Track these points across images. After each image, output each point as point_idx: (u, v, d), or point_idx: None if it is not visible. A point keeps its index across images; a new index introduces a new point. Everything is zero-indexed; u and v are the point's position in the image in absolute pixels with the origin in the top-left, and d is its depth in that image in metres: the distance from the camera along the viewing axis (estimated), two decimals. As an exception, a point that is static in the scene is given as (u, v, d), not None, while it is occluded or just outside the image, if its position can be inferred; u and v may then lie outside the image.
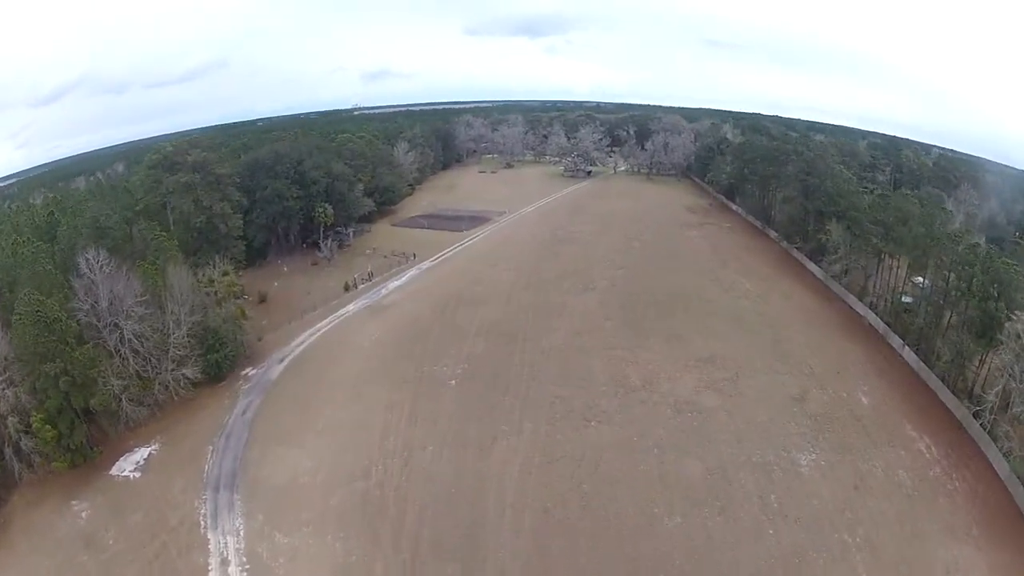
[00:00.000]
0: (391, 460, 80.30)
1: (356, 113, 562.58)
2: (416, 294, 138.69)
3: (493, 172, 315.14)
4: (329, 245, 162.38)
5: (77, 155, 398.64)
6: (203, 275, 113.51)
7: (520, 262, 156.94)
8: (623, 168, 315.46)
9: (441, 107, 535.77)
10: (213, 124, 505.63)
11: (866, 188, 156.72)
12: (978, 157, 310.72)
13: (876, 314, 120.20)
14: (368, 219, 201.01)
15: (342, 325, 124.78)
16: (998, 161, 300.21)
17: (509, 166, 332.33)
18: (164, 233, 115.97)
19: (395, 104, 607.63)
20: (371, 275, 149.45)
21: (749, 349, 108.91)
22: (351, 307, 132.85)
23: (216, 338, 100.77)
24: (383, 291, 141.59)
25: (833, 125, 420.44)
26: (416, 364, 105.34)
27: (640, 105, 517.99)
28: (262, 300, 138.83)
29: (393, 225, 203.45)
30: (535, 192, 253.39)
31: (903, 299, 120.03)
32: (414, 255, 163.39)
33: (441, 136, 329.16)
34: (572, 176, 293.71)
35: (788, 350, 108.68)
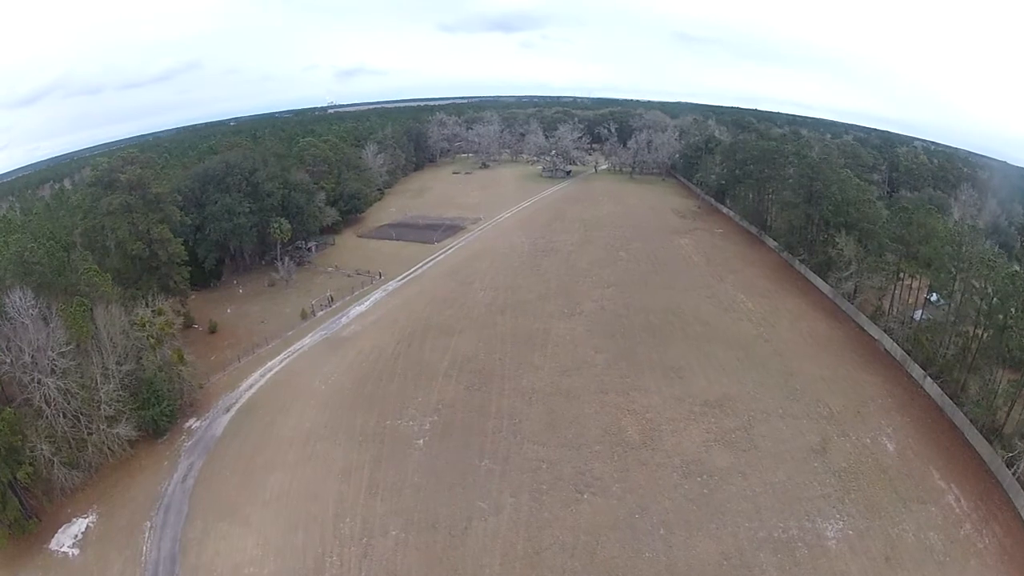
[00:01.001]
0: (348, 548, 67.28)
1: (330, 111, 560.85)
2: (380, 322, 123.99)
3: (468, 173, 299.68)
4: (286, 265, 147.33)
5: (57, 156, 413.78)
6: (138, 313, 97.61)
7: (496, 279, 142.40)
8: (604, 167, 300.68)
9: (416, 104, 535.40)
10: (188, 124, 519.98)
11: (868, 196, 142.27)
12: (957, 149, 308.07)
13: (892, 338, 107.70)
14: (333, 229, 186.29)
15: (296, 363, 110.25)
16: (980, 153, 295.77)
17: (485, 166, 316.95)
18: (95, 266, 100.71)
19: (370, 101, 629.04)
20: (331, 300, 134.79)
21: (759, 387, 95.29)
22: (307, 340, 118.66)
23: (151, 391, 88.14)
24: (343, 319, 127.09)
25: (813, 119, 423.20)
26: (378, 415, 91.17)
27: (617, 100, 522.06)
28: (212, 331, 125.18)
29: (359, 236, 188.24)
30: (512, 195, 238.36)
31: (914, 314, 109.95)
32: (380, 274, 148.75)
33: (413, 136, 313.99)
34: (551, 177, 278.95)
35: (802, 386, 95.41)
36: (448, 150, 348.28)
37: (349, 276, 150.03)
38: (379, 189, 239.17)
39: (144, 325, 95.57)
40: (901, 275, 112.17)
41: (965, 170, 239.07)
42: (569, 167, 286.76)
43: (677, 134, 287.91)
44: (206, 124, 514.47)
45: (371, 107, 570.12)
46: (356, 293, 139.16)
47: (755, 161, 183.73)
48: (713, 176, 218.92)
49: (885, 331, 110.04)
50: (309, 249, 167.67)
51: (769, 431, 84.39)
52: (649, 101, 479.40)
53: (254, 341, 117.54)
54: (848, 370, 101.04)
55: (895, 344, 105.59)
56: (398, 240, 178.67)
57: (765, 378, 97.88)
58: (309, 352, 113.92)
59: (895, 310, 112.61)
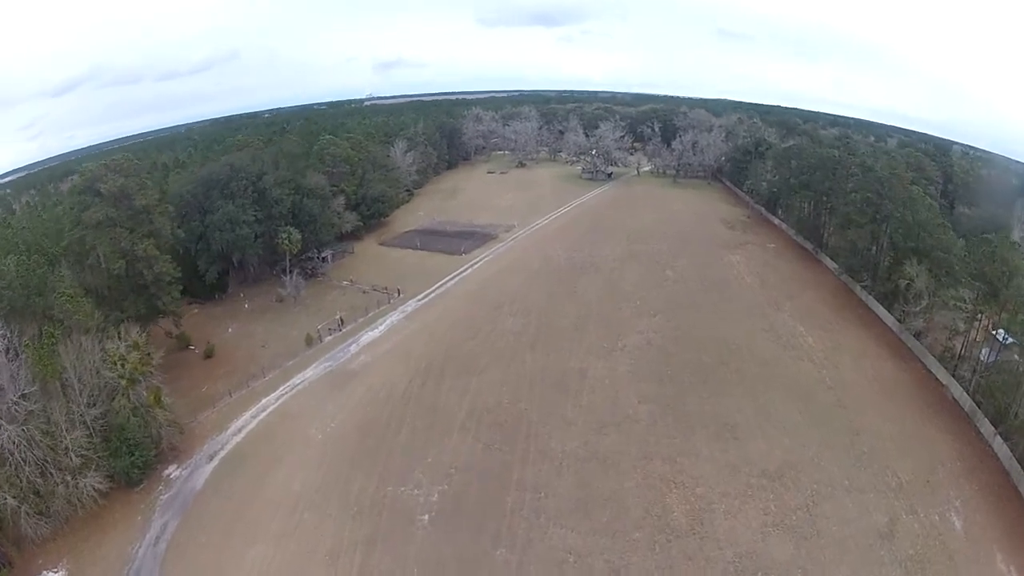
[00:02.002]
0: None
1: (367, 104, 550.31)
2: (393, 353, 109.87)
3: (503, 173, 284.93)
4: (293, 280, 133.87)
5: (91, 146, 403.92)
6: (115, 345, 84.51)
7: (528, 302, 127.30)
8: (647, 169, 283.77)
9: (454, 97, 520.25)
10: (225, 115, 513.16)
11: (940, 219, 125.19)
12: (1003, 156, 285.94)
13: (961, 385, 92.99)
14: (354, 236, 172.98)
15: (293, 403, 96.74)
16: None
17: (521, 165, 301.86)
18: (70, 290, 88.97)
19: (408, 94, 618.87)
20: (341, 323, 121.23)
21: (823, 450, 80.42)
22: (310, 372, 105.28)
23: (122, 439, 77.63)
24: (352, 347, 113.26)
25: (855, 119, 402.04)
26: (379, 478, 77.28)
27: (657, 96, 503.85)
28: (208, 355, 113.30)
29: (381, 244, 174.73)
30: (549, 199, 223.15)
31: (981, 352, 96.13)
32: (398, 291, 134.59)
33: (446, 133, 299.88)
34: (591, 179, 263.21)
35: (869, 448, 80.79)
36: (484, 147, 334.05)
37: (365, 292, 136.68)
38: (408, 190, 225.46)
39: (117, 362, 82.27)
40: (979, 316, 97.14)
41: (1015, 182, 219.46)
42: (610, 168, 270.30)
43: (723, 135, 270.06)
44: (240, 115, 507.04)
45: (409, 100, 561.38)
46: (370, 314, 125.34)
47: (812, 170, 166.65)
48: (764, 184, 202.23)
49: (954, 376, 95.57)
50: (324, 259, 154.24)
51: (834, 510, 70.22)
52: (689, 98, 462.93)
53: (250, 372, 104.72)
54: (916, 424, 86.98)
55: (964, 393, 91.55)
56: (422, 250, 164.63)
57: (829, 438, 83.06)
58: (309, 389, 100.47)
59: (966, 351, 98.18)
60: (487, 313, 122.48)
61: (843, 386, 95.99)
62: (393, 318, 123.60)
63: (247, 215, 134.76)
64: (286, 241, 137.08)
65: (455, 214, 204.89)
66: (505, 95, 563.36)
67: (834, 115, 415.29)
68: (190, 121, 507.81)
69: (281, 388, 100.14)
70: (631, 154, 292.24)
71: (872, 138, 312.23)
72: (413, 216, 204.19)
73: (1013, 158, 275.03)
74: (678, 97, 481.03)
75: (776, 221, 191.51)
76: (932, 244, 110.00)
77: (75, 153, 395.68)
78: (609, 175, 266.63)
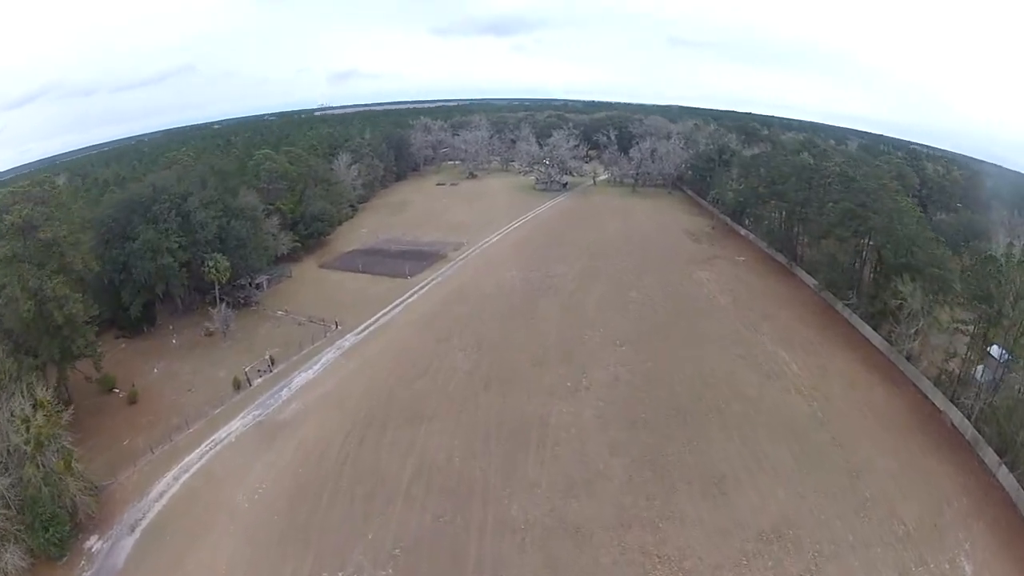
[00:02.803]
0: None
1: (317, 114, 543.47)
2: (329, 399, 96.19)
3: (454, 184, 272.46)
4: (222, 313, 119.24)
5: (49, 157, 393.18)
6: (12, 409, 70.68)
7: (481, 332, 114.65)
8: (603, 177, 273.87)
9: (405, 107, 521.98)
10: (178, 126, 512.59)
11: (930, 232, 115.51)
12: (960, 155, 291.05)
13: (961, 411, 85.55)
14: (292, 256, 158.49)
15: (219, 461, 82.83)
16: (974, 157, 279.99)
17: (472, 176, 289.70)
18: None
19: (361, 104, 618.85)
20: (271, 364, 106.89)
21: (822, 499, 70.87)
22: (236, 424, 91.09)
23: (35, 512, 66.96)
24: (284, 392, 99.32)
25: (810, 123, 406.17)
26: (313, 560, 64.48)
27: (611, 104, 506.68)
28: (132, 400, 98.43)
29: (321, 266, 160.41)
30: (502, 212, 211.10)
31: (975, 371, 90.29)
32: (336, 324, 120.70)
33: (394, 143, 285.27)
34: (545, 189, 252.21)
35: (871, 492, 72.17)
36: (433, 158, 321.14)
37: (300, 324, 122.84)
38: (352, 205, 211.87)
39: (22, 425, 69.13)
40: (987, 338, 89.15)
41: (989, 184, 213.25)
42: (566, 178, 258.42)
43: (682, 142, 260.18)
44: (191, 127, 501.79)
45: (361, 110, 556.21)
46: (305, 351, 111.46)
47: (784, 179, 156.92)
48: (730, 193, 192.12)
49: (953, 401, 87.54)
50: (258, 286, 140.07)
51: (840, 572, 60.78)
52: (642, 104, 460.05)
53: (174, 422, 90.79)
54: (916, 457, 78.99)
55: (964, 419, 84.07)
56: (365, 273, 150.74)
57: (827, 483, 73.42)
58: (236, 444, 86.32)
59: (964, 373, 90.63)
60: (435, 347, 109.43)
61: (835, 419, 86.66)
62: (330, 355, 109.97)
63: (170, 242, 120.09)
64: (213, 270, 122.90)
65: (401, 230, 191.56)
66: (456, 104, 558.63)
67: (788, 119, 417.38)
68: (145, 132, 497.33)
69: (206, 443, 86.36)
70: (586, 163, 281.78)
71: (832, 141, 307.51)
72: (356, 234, 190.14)
73: (976, 158, 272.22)
74: (632, 104, 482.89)
75: (743, 232, 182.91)
76: (924, 260, 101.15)
77: (29, 166, 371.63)
78: (564, 185, 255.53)
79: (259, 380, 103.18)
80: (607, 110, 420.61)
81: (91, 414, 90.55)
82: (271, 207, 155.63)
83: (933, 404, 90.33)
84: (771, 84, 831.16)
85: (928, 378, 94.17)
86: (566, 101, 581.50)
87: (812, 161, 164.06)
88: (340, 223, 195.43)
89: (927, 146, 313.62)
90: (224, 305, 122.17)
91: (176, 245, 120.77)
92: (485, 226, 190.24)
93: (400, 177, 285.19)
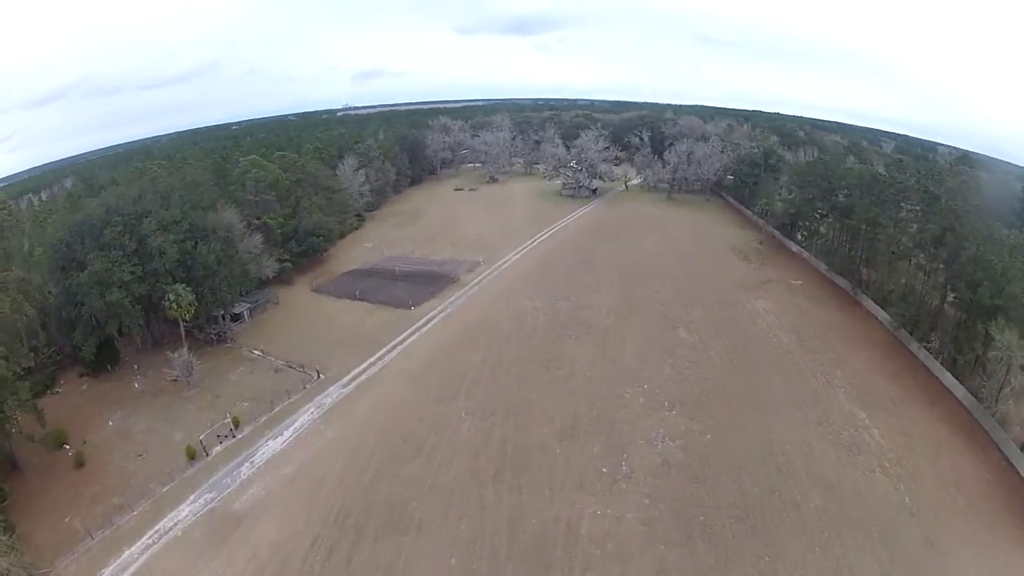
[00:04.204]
0: None
1: (340, 114, 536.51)
2: (297, 484, 74.74)
3: (473, 190, 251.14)
4: (184, 358, 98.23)
5: (71, 157, 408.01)
6: None
7: (492, 391, 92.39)
8: (635, 182, 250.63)
9: (429, 106, 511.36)
10: (201, 126, 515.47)
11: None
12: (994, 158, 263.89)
13: None
14: (282, 277, 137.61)
15: (160, 562, 64.29)
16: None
17: (493, 180, 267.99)
18: None
19: (385, 104, 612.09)
20: (233, 428, 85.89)
21: None
22: (185, 510, 71.59)
23: None
24: (245, 468, 78.65)
25: (843, 124, 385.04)
26: None
27: (636, 103, 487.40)
28: (80, 463, 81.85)
29: (314, 291, 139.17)
30: (525, 222, 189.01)
31: None
32: (317, 373, 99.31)
33: (408, 145, 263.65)
34: (573, 195, 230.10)
35: None
36: (452, 160, 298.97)
37: (277, 371, 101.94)
38: (358, 215, 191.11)
39: None
40: None
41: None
42: (595, 183, 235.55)
43: (720, 145, 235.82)
44: (209, 127, 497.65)
45: (384, 109, 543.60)
46: (278, 409, 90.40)
47: (849, 191, 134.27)
48: (780, 204, 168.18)
49: None
50: (237, 317, 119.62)
51: None
52: (669, 104, 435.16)
53: (115, 502, 72.73)
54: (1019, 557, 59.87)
55: None
56: (362, 300, 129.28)
57: None
58: (182, 540, 66.62)
59: None
60: (434, 412, 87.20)
61: (925, 507, 67.44)
62: (307, 416, 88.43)
63: (123, 272, 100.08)
64: (174, 305, 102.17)
65: (411, 245, 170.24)
66: (481, 104, 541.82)
67: (818, 119, 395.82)
68: (166, 133, 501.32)
69: (149, 533, 67.66)
70: (616, 165, 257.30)
71: (865, 143, 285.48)
72: (359, 249, 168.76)
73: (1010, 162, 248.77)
74: (658, 104, 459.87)
75: (795, 248, 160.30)
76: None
77: (56, 164, 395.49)
78: (594, 191, 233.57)
79: (218, 448, 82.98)
80: (634, 110, 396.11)
81: (38, 473, 79.78)
82: (258, 222, 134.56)
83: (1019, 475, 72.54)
84: (797, 83, 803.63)
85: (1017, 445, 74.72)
86: (592, 101, 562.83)
87: (884, 173, 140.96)
88: (344, 235, 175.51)
89: (969, 151, 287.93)
90: (187, 349, 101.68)
91: (130, 276, 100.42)
92: (505, 240, 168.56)
93: (415, 181, 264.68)
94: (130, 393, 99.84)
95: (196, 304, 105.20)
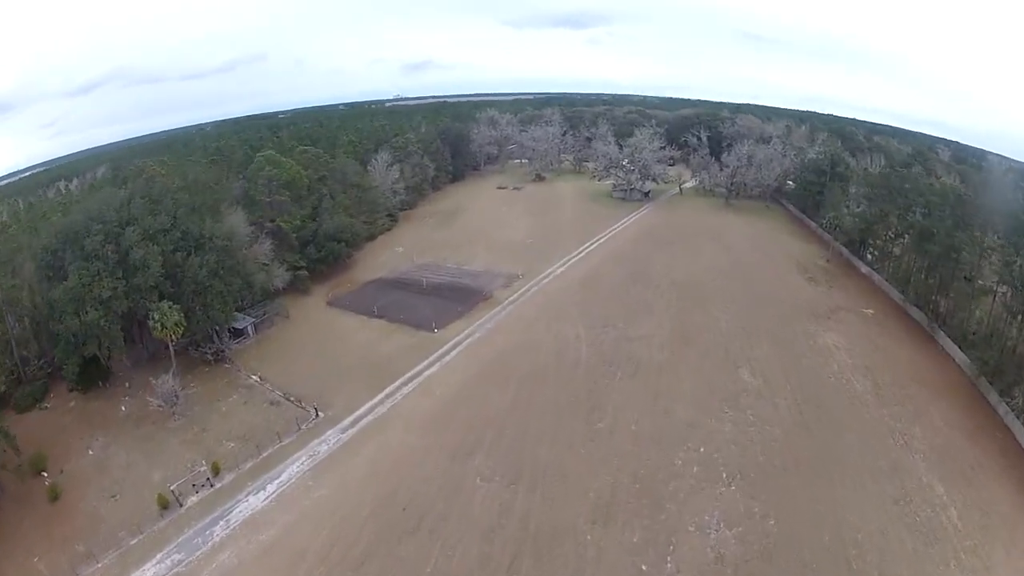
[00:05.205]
0: None
1: (388, 105, 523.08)
2: (272, 556, 62.17)
3: (517, 189, 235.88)
4: (169, 385, 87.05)
5: (113, 143, 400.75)
6: None
7: (519, 447, 77.54)
8: (689, 185, 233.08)
9: (479, 99, 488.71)
10: (246, 115, 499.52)
11: None
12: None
13: None
14: (297, 286, 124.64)
15: None
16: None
17: (539, 178, 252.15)
18: None
19: (435, 95, 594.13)
20: (213, 476, 73.82)
21: None
22: (149, 572, 61.63)
23: None
24: (219, 529, 66.99)
25: (897, 128, 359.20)
26: None
27: (687, 100, 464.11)
28: (54, 497, 73.82)
29: (330, 304, 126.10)
30: (572, 228, 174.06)
31: None
32: (316, 411, 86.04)
33: (450, 139, 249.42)
34: (623, 198, 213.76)
35: None
36: (497, 156, 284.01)
37: (273, 403, 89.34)
38: (390, 214, 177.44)
39: None
40: None
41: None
42: (648, 185, 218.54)
43: (781, 147, 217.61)
44: (249, 117, 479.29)
45: (434, 101, 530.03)
46: (265, 454, 77.51)
47: (928, 210, 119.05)
48: (849, 218, 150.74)
49: None
50: (239, 333, 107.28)
51: None
52: (722, 103, 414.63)
53: (80, 550, 64.40)
54: None
55: None
56: (381, 318, 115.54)
57: None
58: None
59: None
60: (445, 471, 73.00)
61: None
62: (295, 467, 75.23)
63: (102, 288, 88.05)
64: (159, 325, 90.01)
65: (444, 250, 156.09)
66: (532, 97, 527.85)
67: (872, 123, 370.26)
68: (215, 119, 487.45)
69: None
70: (670, 165, 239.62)
71: (909, 150, 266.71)
72: (388, 253, 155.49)
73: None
74: (707, 101, 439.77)
75: (864, 268, 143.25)
76: None
77: (95, 151, 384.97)
78: (646, 194, 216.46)
79: (194, 499, 71.17)
80: (687, 107, 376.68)
81: (14, 501, 72.59)
82: (271, 225, 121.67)
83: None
84: (848, 85, 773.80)
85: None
86: (643, 96, 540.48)
87: (965, 190, 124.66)
88: (374, 237, 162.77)
89: (1006, 157, 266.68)
90: (172, 374, 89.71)
91: (110, 292, 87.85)
92: (549, 248, 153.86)
93: (456, 178, 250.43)
94: (116, 416, 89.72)
95: (183, 324, 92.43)
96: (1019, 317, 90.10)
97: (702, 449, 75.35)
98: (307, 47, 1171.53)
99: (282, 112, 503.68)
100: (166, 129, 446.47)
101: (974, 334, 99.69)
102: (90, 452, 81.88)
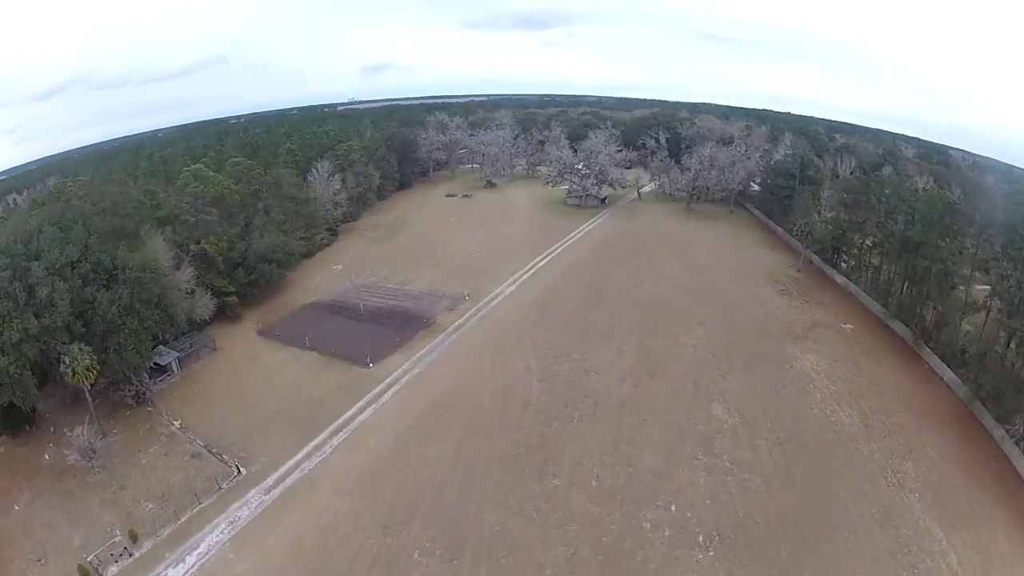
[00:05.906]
0: None
1: (341, 108, 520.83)
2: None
3: (466, 196, 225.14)
4: (84, 437, 76.77)
5: (74, 149, 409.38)
6: None
7: (460, 511, 67.64)
8: (648, 188, 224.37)
9: (435, 101, 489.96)
10: (204, 120, 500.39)
11: None
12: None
13: None
14: (227, 313, 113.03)
15: None
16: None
17: (490, 185, 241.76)
18: None
19: (391, 98, 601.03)
20: (131, 545, 64.14)
21: None
22: None
23: None
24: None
25: (855, 126, 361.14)
26: None
27: (645, 100, 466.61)
28: None
29: (260, 333, 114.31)
30: (524, 240, 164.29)
31: None
32: (237, 468, 75.34)
33: (397, 145, 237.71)
34: (579, 205, 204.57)
35: None
36: (447, 161, 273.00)
37: (193, 456, 78.63)
38: (330, 228, 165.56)
39: None
40: None
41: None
42: (605, 191, 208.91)
43: (744, 148, 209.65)
44: (207, 121, 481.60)
45: (389, 104, 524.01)
46: (182, 520, 67.19)
47: (911, 218, 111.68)
48: (821, 225, 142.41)
49: None
50: (162, 370, 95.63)
51: None
52: (679, 102, 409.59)
53: None
54: None
55: None
56: (313, 351, 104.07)
57: None
58: None
59: None
60: (377, 545, 62.49)
61: None
62: (215, 536, 64.83)
63: (12, 331, 76.90)
64: (69, 371, 78.96)
65: (386, 268, 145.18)
66: (486, 99, 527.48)
67: (831, 120, 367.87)
68: (169, 126, 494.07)
69: None
70: (627, 168, 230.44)
71: (879, 150, 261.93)
72: (326, 273, 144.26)
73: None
74: (664, 101, 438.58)
75: (839, 278, 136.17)
76: None
77: (56, 158, 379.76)
78: (603, 200, 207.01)
79: (114, 569, 62.39)
80: (645, 107, 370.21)
81: None
82: (196, 247, 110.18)
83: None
84: (805, 82, 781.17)
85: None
86: (600, 98, 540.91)
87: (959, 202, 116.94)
88: (311, 254, 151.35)
89: (978, 154, 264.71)
90: (87, 426, 79.14)
91: (19, 335, 76.05)
92: (499, 264, 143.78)
93: (404, 185, 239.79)
94: (40, 466, 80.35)
95: (96, 368, 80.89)
96: (1016, 335, 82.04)
97: (673, 508, 65.75)
98: (269, 50, 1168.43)
99: (235, 117, 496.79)
100: (128, 135, 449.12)
101: (964, 353, 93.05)
102: (16, 508, 73.85)
